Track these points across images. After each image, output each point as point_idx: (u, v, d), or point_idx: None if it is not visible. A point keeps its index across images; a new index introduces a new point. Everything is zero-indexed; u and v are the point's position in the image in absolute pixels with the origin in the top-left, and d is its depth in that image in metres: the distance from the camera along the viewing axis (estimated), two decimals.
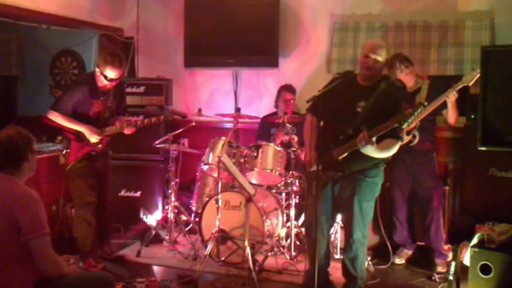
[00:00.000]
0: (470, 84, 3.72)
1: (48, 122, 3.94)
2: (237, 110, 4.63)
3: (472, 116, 4.19)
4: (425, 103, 3.10)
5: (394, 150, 3.25)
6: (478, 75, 3.30)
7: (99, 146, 3.97)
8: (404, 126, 3.10)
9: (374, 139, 3.10)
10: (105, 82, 3.88)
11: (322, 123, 3.40)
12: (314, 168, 3.29)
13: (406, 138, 3.59)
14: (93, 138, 3.90)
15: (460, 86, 3.78)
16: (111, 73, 3.84)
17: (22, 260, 2.41)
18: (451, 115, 3.97)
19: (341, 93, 3.27)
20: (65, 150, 3.96)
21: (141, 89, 5.09)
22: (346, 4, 4.88)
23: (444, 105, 3.88)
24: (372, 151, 3.15)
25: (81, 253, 4.01)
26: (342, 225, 4.03)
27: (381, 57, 3.28)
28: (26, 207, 2.40)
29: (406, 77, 4.07)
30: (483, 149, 3.17)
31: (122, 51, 5.55)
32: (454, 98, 3.83)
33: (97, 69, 3.89)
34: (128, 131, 4.01)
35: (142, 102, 4.99)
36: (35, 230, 2.38)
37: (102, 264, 4.02)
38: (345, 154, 3.24)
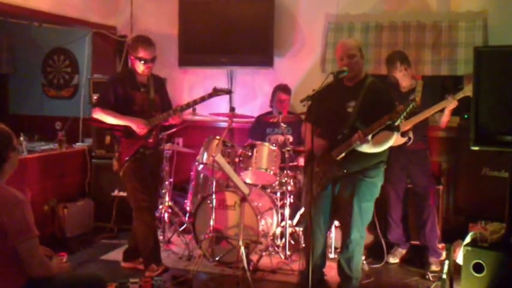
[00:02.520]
0: (471, 95, 3.71)
1: (95, 123, 3.86)
2: (232, 109, 4.63)
3: (466, 116, 4.23)
4: (417, 98, 3.11)
5: (391, 142, 3.25)
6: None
7: (150, 139, 3.86)
8: (398, 122, 3.11)
9: (369, 137, 3.11)
10: (142, 67, 3.80)
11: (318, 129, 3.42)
12: (320, 153, 3.30)
13: (402, 140, 3.61)
14: (141, 130, 3.78)
15: (461, 95, 3.79)
16: (145, 52, 3.78)
17: (10, 263, 2.35)
18: (444, 120, 4.00)
19: (331, 97, 3.30)
20: (117, 154, 3.88)
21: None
22: (340, 4, 4.89)
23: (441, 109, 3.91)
24: (368, 148, 3.16)
25: (143, 258, 3.89)
26: (337, 224, 4.04)
27: (357, 54, 3.32)
28: (12, 210, 2.32)
29: (403, 77, 4.09)
30: (476, 148, 3.19)
31: (115, 50, 5.57)
32: (454, 106, 3.84)
33: (131, 57, 3.84)
34: (175, 119, 3.90)
35: None
36: (21, 233, 2.33)
37: (163, 266, 3.87)
38: (343, 154, 3.24)
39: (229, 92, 4.07)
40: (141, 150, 3.84)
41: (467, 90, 3.72)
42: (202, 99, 3.90)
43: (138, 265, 4.02)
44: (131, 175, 3.81)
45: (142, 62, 3.80)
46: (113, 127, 3.83)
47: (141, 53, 3.79)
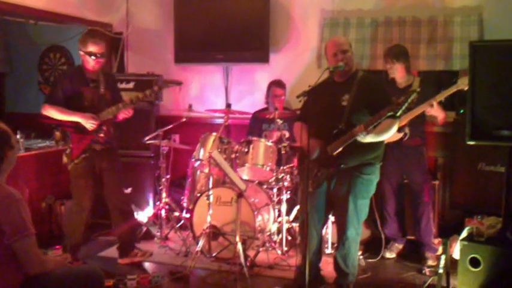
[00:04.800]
0: (465, 89, 3.71)
1: (45, 120, 3.88)
2: (228, 105, 4.63)
3: (462, 111, 4.24)
4: (418, 89, 3.10)
5: (394, 129, 3.25)
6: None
7: (100, 135, 3.88)
8: (399, 113, 3.11)
9: (371, 128, 3.11)
10: (92, 62, 3.83)
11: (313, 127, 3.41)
12: (315, 155, 3.29)
13: (398, 136, 3.61)
14: (90, 125, 3.80)
15: (454, 89, 3.79)
16: (94, 47, 3.81)
17: (8, 261, 2.35)
18: (438, 116, 3.96)
19: (324, 93, 3.30)
20: (68, 149, 3.91)
21: (131, 85, 5.05)
22: (336, 0, 4.89)
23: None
24: (371, 138, 3.16)
25: (64, 246, 4.02)
26: (333, 220, 4.05)
27: (349, 49, 3.35)
28: (8, 209, 2.32)
29: (392, 72, 4.09)
30: (472, 143, 3.20)
31: (111, 47, 5.56)
32: (433, 106, 3.83)
33: (81, 52, 3.86)
34: (124, 113, 3.92)
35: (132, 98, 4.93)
36: (18, 231, 2.33)
37: (80, 261, 3.98)
38: (340, 149, 3.24)
39: (179, 83, 4.11)
40: (92, 146, 3.89)
41: (461, 84, 3.73)
42: (152, 91, 3.93)
43: (135, 259, 4.08)
44: (79, 173, 3.90)
45: (93, 57, 3.82)
46: (62, 123, 3.87)
47: (91, 48, 3.81)
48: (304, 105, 3.48)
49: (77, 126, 3.83)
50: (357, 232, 3.39)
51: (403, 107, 3.00)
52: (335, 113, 3.30)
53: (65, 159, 3.92)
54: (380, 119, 3.07)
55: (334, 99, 3.34)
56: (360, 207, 3.35)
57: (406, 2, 4.69)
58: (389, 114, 3.04)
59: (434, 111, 3.88)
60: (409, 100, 2.98)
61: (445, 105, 4.07)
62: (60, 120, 3.84)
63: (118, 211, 4.11)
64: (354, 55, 3.47)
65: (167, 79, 4.04)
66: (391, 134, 3.28)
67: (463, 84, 3.71)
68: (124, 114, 3.93)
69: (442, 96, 3.84)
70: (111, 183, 4.03)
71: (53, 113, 3.81)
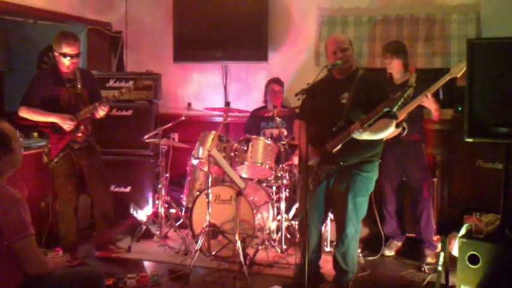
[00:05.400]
0: (458, 76, 3.75)
1: (22, 121, 3.92)
2: (227, 103, 4.63)
3: (460, 108, 4.25)
4: (414, 84, 3.11)
5: (391, 129, 3.25)
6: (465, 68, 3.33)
7: (78, 134, 3.93)
8: (395, 109, 3.11)
9: (367, 125, 3.11)
10: (67, 63, 3.87)
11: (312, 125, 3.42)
12: (312, 162, 3.31)
13: (396, 131, 3.61)
14: (68, 125, 3.85)
15: (448, 77, 3.81)
16: (68, 48, 3.84)
17: (8, 262, 2.36)
18: (432, 109, 3.97)
19: (324, 91, 3.31)
20: (46, 149, 3.97)
21: (130, 84, 5.05)
22: None
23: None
24: (368, 136, 3.17)
25: (62, 247, 4.01)
26: (332, 218, 4.05)
27: (349, 47, 3.35)
28: (7, 209, 2.33)
29: (389, 67, 4.10)
30: (470, 140, 3.21)
31: (110, 46, 5.56)
32: (428, 98, 3.84)
33: (56, 54, 3.89)
34: (102, 110, 3.95)
35: (132, 96, 4.91)
36: (18, 232, 2.33)
37: (78, 260, 3.96)
38: (339, 146, 3.24)
39: (156, 78, 4.14)
40: (71, 145, 3.94)
41: (454, 72, 3.76)
42: (129, 89, 4.01)
43: (111, 253, 4.19)
44: (59, 171, 3.95)
45: (68, 57, 3.85)
46: (39, 124, 3.92)
47: (65, 49, 3.84)
48: (303, 103, 3.48)
49: (54, 126, 3.88)
50: (356, 230, 3.40)
51: (399, 103, 3.01)
52: (334, 110, 3.30)
53: (45, 158, 3.99)
54: (376, 115, 3.07)
55: (333, 97, 3.34)
56: (359, 205, 3.35)
57: None
58: (385, 110, 3.05)
59: (428, 102, 3.88)
60: (405, 95, 2.98)
61: (443, 103, 4.09)
62: (37, 121, 3.89)
63: (99, 210, 4.23)
64: (354, 53, 3.46)
65: (143, 74, 4.16)
66: (388, 133, 3.28)
67: (455, 72, 3.74)
68: (101, 111, 3.96)
69: (437, 86, 3.85)
70: (92, 182, 4.11)
71: (30, 114, 3.86)
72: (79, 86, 3.97)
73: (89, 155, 4.09)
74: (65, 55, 3.84)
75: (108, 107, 4.01)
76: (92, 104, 3.95)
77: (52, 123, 3.87)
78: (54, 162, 3.92)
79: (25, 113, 3.87)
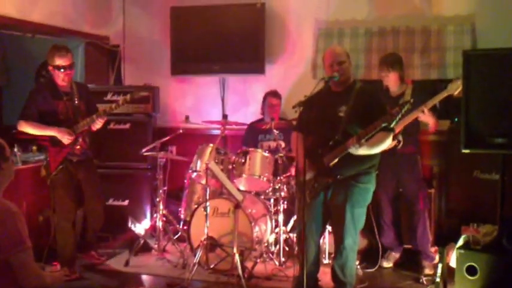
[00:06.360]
0: (455, 94, 3.76)
1: (21, 135, 3.96)
2: (224, 116, 4.64)
3: (456, 119, 4.27)
4: (411, 100, 3.13)
5: (388, 142, 3.25)
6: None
7: (77, 147, 3.96)
8: (393, 125, 3.12)
9: (364, 140, 3.12)
10: (61, 75, 3.91)
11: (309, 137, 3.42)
12: (308, 176, 3.31)
13: (392, 143, 3.62)
14: (66, 139, 3.88)
15: (444, 94, 3.84)
16: (60, 60, 3.89)
17: (5, 275, 2.34)
18: (428, 122, 3.99)
19: (321, 103, 3.32)
20: (45, 162, 3.98)
21: (128, 97, 5.06)
22: (330, 10, 4.93)
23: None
24: (364, 150, 3.17)
25: (60, 261, 4.05)
26: (331, 230, 4.05)
27: (346, 60, 3.36)
28: (4, 223, 2.31)
29: (385, 80, 4.12)
30: (467, 151, 3.22)
31: (108, 60, 5.59)
32: (424, 113, 3.86)
33: (50, 67, 3.94)
34: (99, 122, 3.99)
35: (129, 110, 4.93)
36: (15, 245, 2.32)
37: (76, 274, 4.00)
38: (336, 160, 3.24)
39: (154, 91, 4.15)
40: (69, 158, 3.96)
41: (451, 89, 3.77)
42: (125, 101, 4.03)
43: (92, 259, 4.28)
44: (58, 184, 3.97)
45: (62, 70, 3.90)
46: (37, 137, 3.95)
47: (58, 61, 3.89)
48: (300, 115, 3.49)
49: (53, 139, 3.90)
50: (354, 241, 3.39)
51: (397, 119, 3.02)
52: (332, 123, 3.31)
53: (43, 171, 3.98)
54: (374, 131, 3.09)
55: (331, 109, 3.35)
56: (357, 216, 3.35)
57: (399, 11, 4.74)
58: (383, 125, 3.06)
59: (425, 117, 3.91)
60: (403, 111, 3.00)
61: (440, 114, 4.10)
62: (36, 135, 3.92)
63: (90, 225, 4.30)
64: (351, 65, 3.48)
65: (139, 88, 4.21)
66: (384, 147, 3.27)
67: (452, 89, 3.76)
68: (98, 124, 4.00)
69: (433, 102, 3.87)
70: (88, 196, 4.14)
71: (29, 129, 3.89)
72: (76, 99, 4.01)
73: (87, 169, 4.13)
74: (58, 67, 3.90)
75: (105, 118, 4.04)
76: (90, 116, 3.98)
77: (50, 136, 3.90)
78: (53, 175, 3.93)
79: (24, 127, 3.90)
